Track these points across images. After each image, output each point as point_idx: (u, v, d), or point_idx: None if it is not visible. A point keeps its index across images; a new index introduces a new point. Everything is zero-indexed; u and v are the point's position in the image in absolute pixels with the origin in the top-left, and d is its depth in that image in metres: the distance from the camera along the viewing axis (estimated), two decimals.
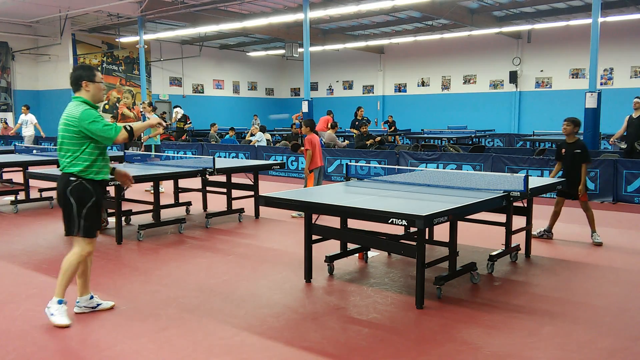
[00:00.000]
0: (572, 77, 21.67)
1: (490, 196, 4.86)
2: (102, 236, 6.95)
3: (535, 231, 6.57)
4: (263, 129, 16.35)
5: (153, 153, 9.62)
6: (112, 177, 4.51)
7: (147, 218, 7.48)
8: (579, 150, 6.49)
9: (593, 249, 6.34)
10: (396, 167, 8.72)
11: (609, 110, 15.13)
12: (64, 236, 4.28)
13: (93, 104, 4.13)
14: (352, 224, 5.29)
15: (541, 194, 6.42)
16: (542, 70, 22.44)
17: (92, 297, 4.33)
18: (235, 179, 8.24)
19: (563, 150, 6.65)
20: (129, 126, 4.16)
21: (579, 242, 6.66)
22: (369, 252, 5.88)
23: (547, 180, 6.45)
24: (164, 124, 4.70)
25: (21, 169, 9.19)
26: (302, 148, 8.43)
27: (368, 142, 12.95)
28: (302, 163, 13.02)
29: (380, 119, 26.44)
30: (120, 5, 17.14)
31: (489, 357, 3.54)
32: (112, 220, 7.14)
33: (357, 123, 15.63)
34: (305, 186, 8.35)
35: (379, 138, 13.28)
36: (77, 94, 4.13)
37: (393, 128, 21.53)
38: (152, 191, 8.47)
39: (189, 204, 8.34)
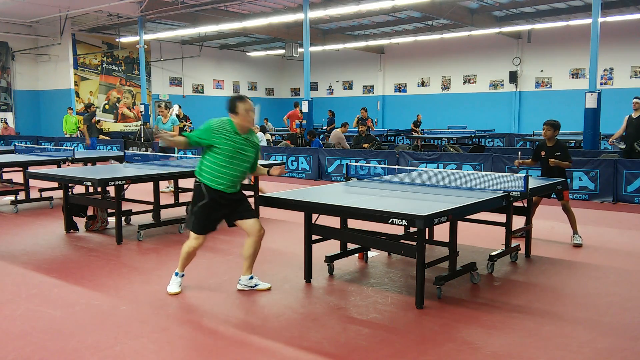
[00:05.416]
0: (572, 77, 21.67)
1: (490, 196, 4.86)
2: (102, 236, 6.96)
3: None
4: (263, 129, 16.35)
5: (177, 155, 9.62)
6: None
7: (147, 218, 7.48)
8: (559, 153, 6.59)
9: (593, 250, 6.33)
10: (396, 167, 8.73)
11: (609, 110, 15.14)
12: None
13: (234, 126, 4.49)
14: (352, 224, 5.29)
15: (541, 194, 6.41)
16: (542, 70, 22.44)
17: (251, 278, 4.83)
18: None
19: (543, 152, 6.71)
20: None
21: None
22: (369, 252, 5.88)
23: (547, 180, 6.45)
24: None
25: (21, 169, 9.19)
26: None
27: (365, 145, 12.99)
28: (302, 163, 13.09)
29: (380, 119, 26.43)
30: (120, 5, 17.15)
31: (489, 357, 3.54)
32: (112, 220, 7.15)
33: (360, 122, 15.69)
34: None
35: (378, 144, 13.30)
36: None
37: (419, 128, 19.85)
38: (172, 189, 8.67)
39: (189, 204, 8.33)
